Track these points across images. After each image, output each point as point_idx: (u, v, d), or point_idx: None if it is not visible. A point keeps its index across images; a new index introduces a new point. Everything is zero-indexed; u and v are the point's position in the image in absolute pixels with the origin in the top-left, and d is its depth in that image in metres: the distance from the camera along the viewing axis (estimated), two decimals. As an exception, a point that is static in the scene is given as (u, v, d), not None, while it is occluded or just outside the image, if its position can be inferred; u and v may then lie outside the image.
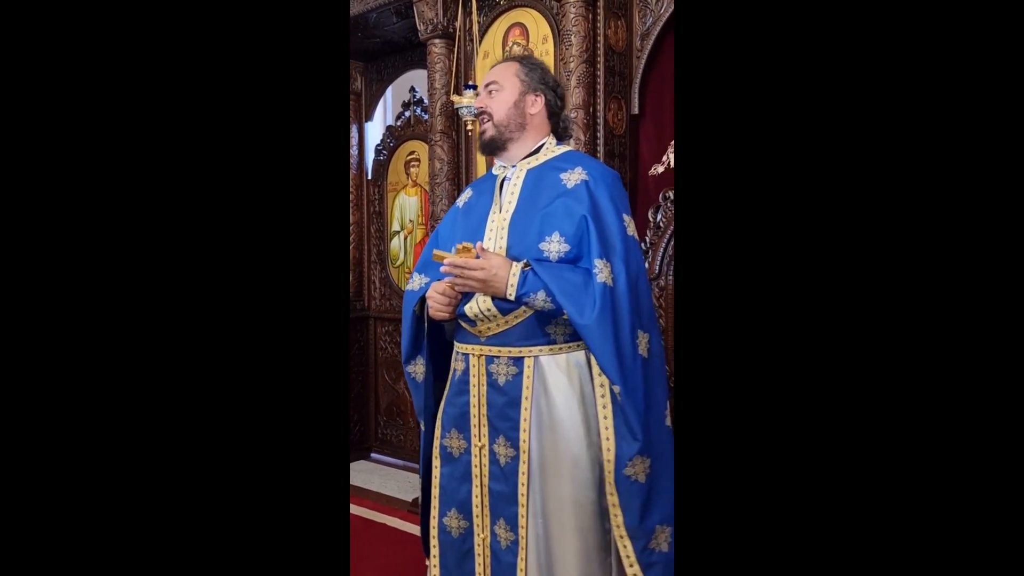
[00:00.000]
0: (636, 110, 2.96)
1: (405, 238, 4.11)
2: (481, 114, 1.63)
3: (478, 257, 1.45)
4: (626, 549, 1.46)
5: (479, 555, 1.60)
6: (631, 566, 1.46)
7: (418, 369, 1.72)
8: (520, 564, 1.52)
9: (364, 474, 3.79)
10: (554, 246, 1.48)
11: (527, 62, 1.66)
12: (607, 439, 1.46)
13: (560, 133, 1.69)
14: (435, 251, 1.52)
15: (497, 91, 1.62)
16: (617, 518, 1.45)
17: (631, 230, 1.55)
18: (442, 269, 1.48)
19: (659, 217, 2.87)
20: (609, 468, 1.45)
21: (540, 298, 1.43)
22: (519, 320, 1.51)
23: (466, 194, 1.76)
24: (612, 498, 1.45)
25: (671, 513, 1.51)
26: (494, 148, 1.64)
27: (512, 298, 1.44)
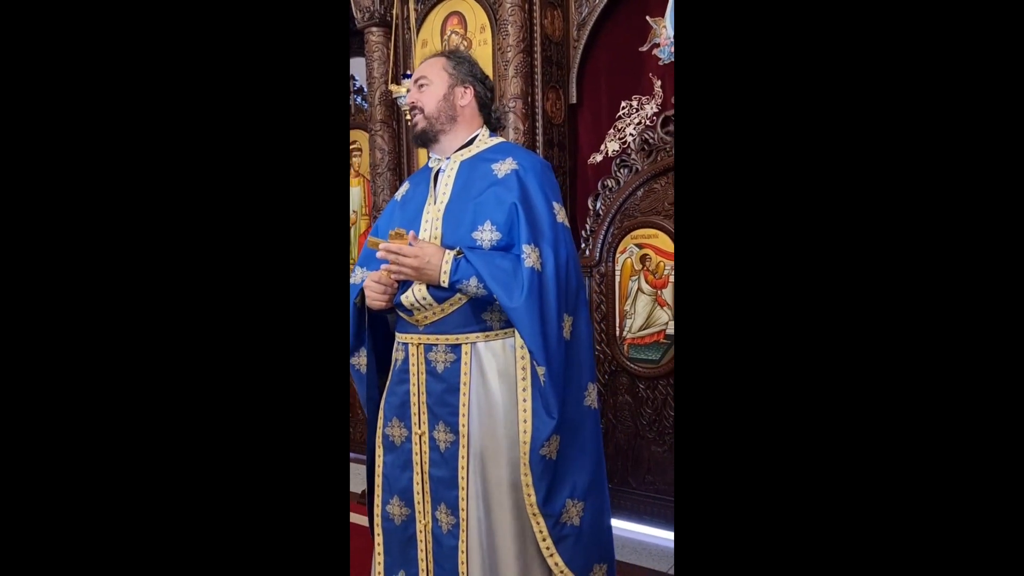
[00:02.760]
0: (574, 99, 3.00)
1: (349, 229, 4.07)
2: (413, 109, 1.67)
3: (411, 244, 1.48)
4: (539, 525, 1.53)
5: (421, 541, 1.64)
6: (543, 540, 1.53)
7: (361, 361, 1.75)
8: (461, 546, 1.57)
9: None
10: (486, 234, 1.52)
11: (454, 56, 1.70)
12: (525, 421, 1.51)
13: (493, 124, 1.73)
14: (369, 238, 1.54)
15: (426, 85, 1.65)
16: (530, 497, 1.51)
17: (561, 217, 1.59)
18: (378, 255, 1.51)
19: (598, 205, 2.93)
20: (525, 449, 1.50)
21: (473, 284, 1.48)
22: (455, 308, 1.55)
23: (403, 187, 1.79)
24: (526, 478, 1.50)
25: (584, 488, 1.58)
26: (426, 140, 1.67)
27: (446, 285, 1.48)
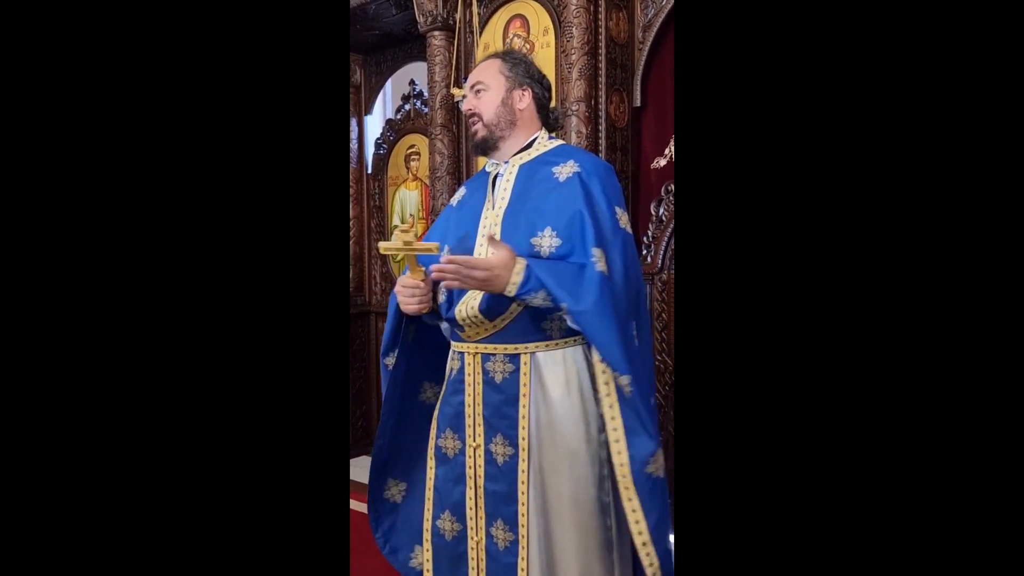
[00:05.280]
0: (638, 102, 2.93)
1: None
2: (471, 116, 1.61)
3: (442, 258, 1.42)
4: (649, 556, 1.36)
5: (473, 558, 1.57)
6: (654, 574, 1.38)
7: (391, 361, 1.71)
8: (521, 564, 1.49)
9: (365, 470, 3.77)
10: (546, 241, 1.46)
11: (509, 57, 1.63)
12: (616, 441, 1.38)
13: (551, 125, 1.66)
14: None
15: (483, 91, 1.59)
16: (639, 524, 1.36)
17: (624, 222, 1.52)
18: (442, 262, 1.43)
19: (661, 210, 2.84)
20: (624, 471, 1.36)
21: (540, 297, 1.40)
22: (506, 323, 1.49)
23: (460, 192, 1.75)
24: (631, 503, 1.35)
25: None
26: (486, 148, 1.62)
27: (511, 295, 1.41)
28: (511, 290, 1.39)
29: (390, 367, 1.72)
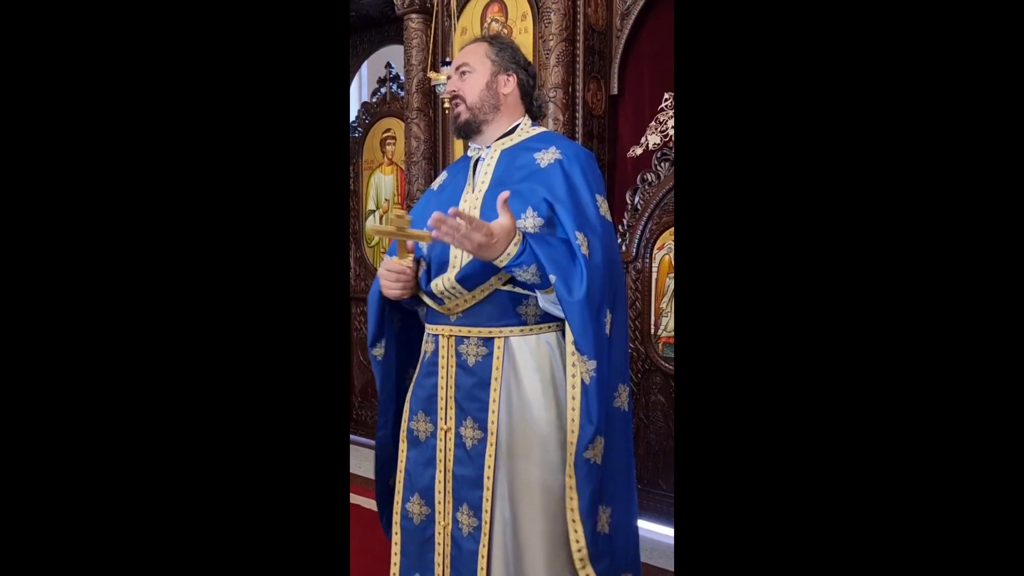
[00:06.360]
0: (615, 90, 2.93)
1: (380, 218, 4.06)
2: (454, 98, 1.60)
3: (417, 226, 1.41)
4: (576, 533, 1.43)
5: (439, 543, 1.57)
6: (579, 551, 1.43)
7: (380, 352, 1.70)
8: (482, 551, 1.49)
9: (339, 455, 3.77)
10: (529, 221, 1.45)
11: (497, 42, 1.63)
12: (573, 420, 1.42)
13: (535, 113, 1.67)
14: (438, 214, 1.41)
15: (469, 73, 1.59)
16: (572, 500, 1.42)
17: (604, 210, 1.52)
18: (450, 213, 1.35)
19: (636, 199, 2.86)
20: (571, 450, 1.41)
21: (531, 272, 1.39)
22: (485, 295, 1.49)
23: (441, 177, 1.75)
24: (570, 480, 1.42)
25: (613, 494, 1.49)
26: (469, 131, 1.61)
27: (501, 266, 1.39)
28: (503, 260, 1.37)
29: (379, 358, 1.70)
